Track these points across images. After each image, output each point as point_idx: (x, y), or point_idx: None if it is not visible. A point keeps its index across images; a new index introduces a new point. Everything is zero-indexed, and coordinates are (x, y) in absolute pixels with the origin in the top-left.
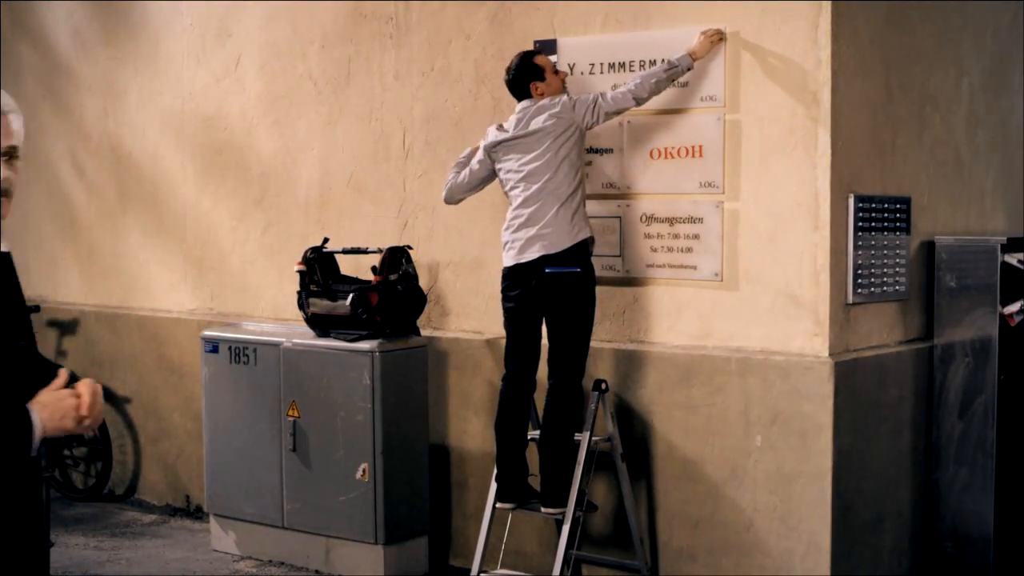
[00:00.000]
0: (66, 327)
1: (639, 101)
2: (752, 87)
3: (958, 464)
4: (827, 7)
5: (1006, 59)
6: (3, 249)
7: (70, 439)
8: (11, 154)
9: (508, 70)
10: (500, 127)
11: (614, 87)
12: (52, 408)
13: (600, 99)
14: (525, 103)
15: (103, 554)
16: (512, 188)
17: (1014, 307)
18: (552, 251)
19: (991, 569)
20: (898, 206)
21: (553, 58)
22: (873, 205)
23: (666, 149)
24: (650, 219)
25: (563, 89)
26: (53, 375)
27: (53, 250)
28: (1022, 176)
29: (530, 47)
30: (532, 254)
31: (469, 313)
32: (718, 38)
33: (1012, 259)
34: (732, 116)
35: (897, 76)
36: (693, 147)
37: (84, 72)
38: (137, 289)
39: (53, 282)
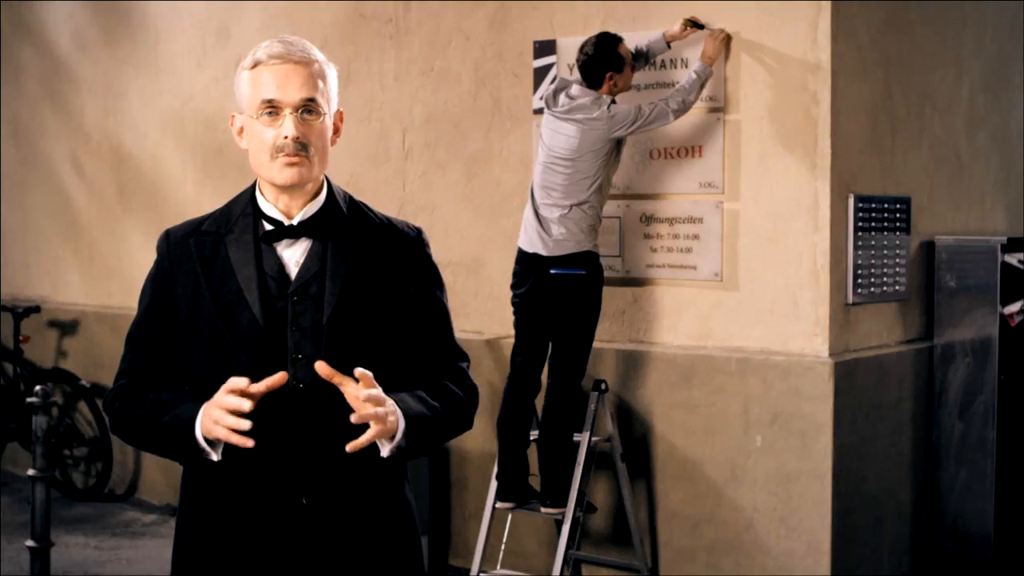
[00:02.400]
0: (67, 327)
1: (677, 115)
2: (752, 87)
3: (958, 464)
4: (827, 7)
5: (1006, 59)
6: None
7: (70, 439)
8: (310, 108)
9: (584, 51)
10: (556, 92)
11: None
12: (206, 412)
13: (639, 116)
14: (585, 95)
15: (103, 554)
16: (537, 160)
17: (1014, 307)
18: (548, 255)
19: (991, 569)
20: (898, 206)
21: (551, 58)
22: (873, 205)
23: (666, 149)
24: (650, 219)
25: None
26: None
27: (54, 250)
28: (1022, 176)
29: (530, 48)
30: (531, 247)
31: (469, 313)
32: (723, 36)
33: (1012, 259)
34: (732, 116)
35: (897, 76)
36: (693, 147)
37: (85, 73)
38: (138, 290)
39: (54, 282)
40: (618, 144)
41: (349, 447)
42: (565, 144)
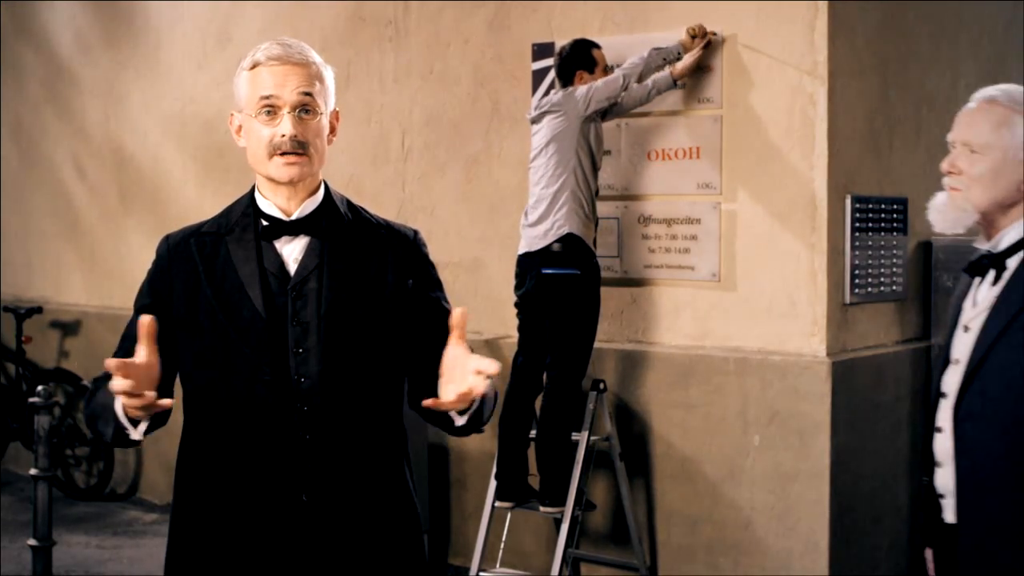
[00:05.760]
0: (68, 328)
1: (628, 79)
2: (749, 89)
3: None
4: (824, 9)
5: (1002, 60)
6: None
7: (72, 438)
8: (307, 107)
9: (559, 54)
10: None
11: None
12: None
13: (592, 87)
14: (556, 95)
15: (105, 552)
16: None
17: None
18: (534, 248)
19: None
20: (895, 207)
21: (550, 60)
22: (870, 206)
23: (664, 150)
24: (648, 220)
25: None
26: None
27: (56, 251)
28: None
29: (528, 50)
30: (522, 247)
31: (468, 313)
32: (700, 31)
33: None
34: (730, 118)
35: (894, 77)
36: (691, 148)
37: (86, 75)
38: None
39: (56, 283)
40: (595, 128)
41: (430, 403)
42: (541, 137)
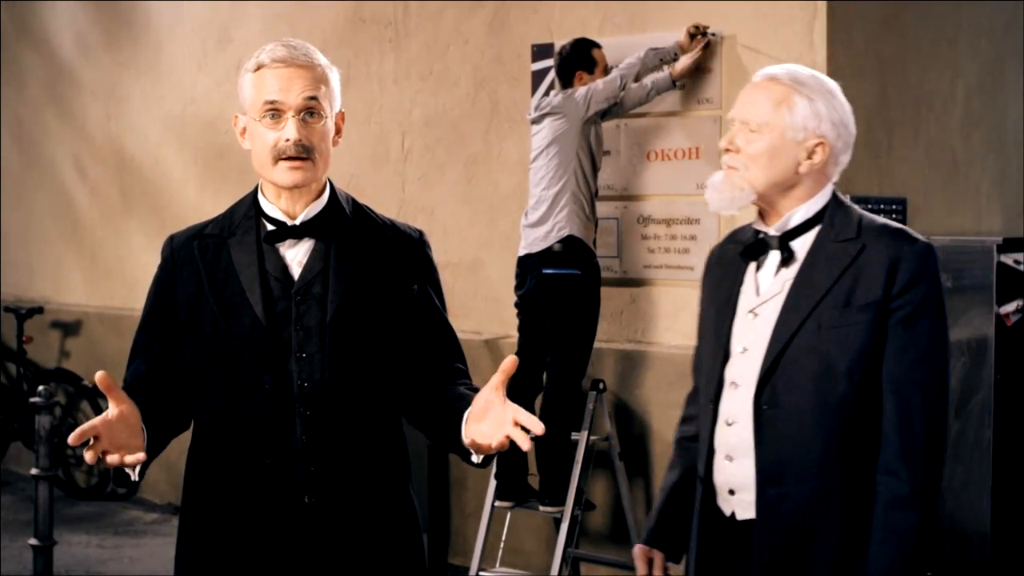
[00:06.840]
0: (69, 328)
1: (625, 79)
2: None
3: (955, 463)
4: (822, 9)
5: (1001, 60)
6: None
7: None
8: (312, 110)
9: (560, 53)
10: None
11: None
12: None
13: (591, 89)
14: (557, 96)
15: (105, 552)
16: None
17: (1010, 307)
18: (535, 249)
19: (988, 567)
20: (894, 207)
21: (549, 61)
22: (869, 206)
23: (663, 151)
24: (647, 220)
25: None
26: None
27: (56, 252)
28: (1019, 176)
29: (528, 51)
30: (522, 248)
31: (468, 314)
32: (701, 30)
33: (1008, 259)
34: (729, 118)
35: (892, 78)
36: (690, 149)
37: (87, 76)
38: (140, 290)
39: (56, 283)
40: (595, 129)
41: (469, 443)
42: (541, 139)
